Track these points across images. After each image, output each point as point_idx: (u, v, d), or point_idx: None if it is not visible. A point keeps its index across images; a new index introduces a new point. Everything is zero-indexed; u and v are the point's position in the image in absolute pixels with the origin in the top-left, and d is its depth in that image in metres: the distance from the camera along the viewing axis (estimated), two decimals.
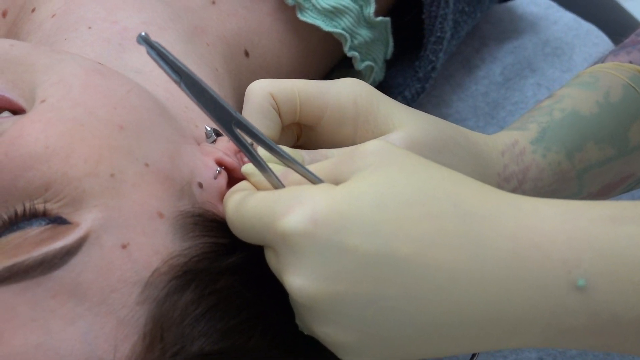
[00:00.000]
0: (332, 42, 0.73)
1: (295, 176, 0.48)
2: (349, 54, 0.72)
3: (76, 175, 0.47)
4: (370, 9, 0.71)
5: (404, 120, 0.54)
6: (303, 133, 0.56)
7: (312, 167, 0.48)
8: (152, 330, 0.46)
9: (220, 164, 0.53)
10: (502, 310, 0.42)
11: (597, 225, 0.42)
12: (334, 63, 0.79)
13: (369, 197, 0.43)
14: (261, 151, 0.49)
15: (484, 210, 0.43)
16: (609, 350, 0.44)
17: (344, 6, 0.69)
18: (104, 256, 0.46)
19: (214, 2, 0.68)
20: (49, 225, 0.47)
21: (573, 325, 0.42)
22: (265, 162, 0.48)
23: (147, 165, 0.50)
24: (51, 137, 0.48)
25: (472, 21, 0.84)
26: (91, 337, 0.46)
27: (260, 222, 0.45)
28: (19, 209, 0.47)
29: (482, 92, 0.88)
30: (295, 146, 0.56)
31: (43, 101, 0.49)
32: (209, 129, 0.56)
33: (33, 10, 0.65)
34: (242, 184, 0.50)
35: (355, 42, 0.71)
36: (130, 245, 0.47)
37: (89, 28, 0.62)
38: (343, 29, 0.70)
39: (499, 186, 0.58)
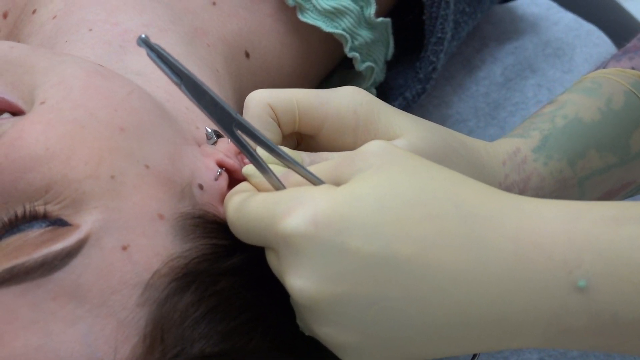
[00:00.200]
0: (332, 43, 0.73)
1: (296, 177, 0.48)
2: (350, 54, 0.72)
3: (76, 177, 0.47)
4: (371, 10, 0.71)
5: (405, 129, 0.54)
6: (303, 141, 0.56)
7: (312, 169, 0.48)
8: (153, 332, 0.46)
9: (220, 165, 0.53)
10: (503, 311, 0.42)
11: (598, 225, 0.42)
12: (334, 64, 0.79)
13: (370, 199, 0.43)
14: (262, 152, 0.49)
15: (485, 211, 0.43)
16: (610, 350, 0.44)
17: (345, 7, 0.69)
18: (104, 258, 0.46)
19: (214, 4, 0.68)
20: (50, 227, 0.47)
21: (574, 325, 0.42)
22: (265, 164, 0.48)
23: (147, 167, 0.50)
24: (51, 139, 0.48)
25: (473, 22, 0.84)
26: (91, 339, 0.46)
27: (261, 223, 0.45)
28: (19, 211, 0.47)
29: (482, 93, 0.88)
30: None
31: (43, 102, 0.49)
32: (209, 130, 0.56)
33: (34, 12, 0.65)
34: (243, 185, 0.50)
35: (356, 43, 0.71)
36: (131, 247, 0.47)
37: (90, 30, 0.62)
38: (344, 29, 0.70)
39: None
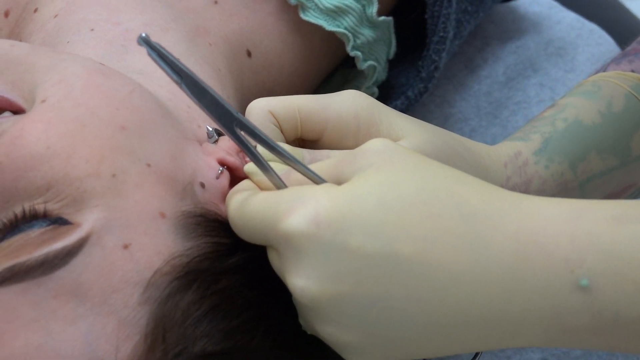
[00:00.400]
0: (334, 41, 0.73)
1: (297, 176, 0.48)
2: (352, 53, 0.72)
3: (78, 176, 0.47)
4: (373, 9, 0.71)
5: (406, 132, 0.54)
6: (306, 146, 0.56)
7: (314, 167, 0.48)
8: (154, 331, 0.46)
9: (222, 163, 0.53)
10: (505, 310, 0.42)
11: (600, 224, 0.42)
12: (336, 63, 0.79)
13: (371, 198, 0.43)
14: (262, 151, 0.49)
15: (486, 210, 0.43)
16: (612, 350, 0.43)
17: (347, 6, 0.69)
18: (105, 256, 0.46)
19: (216, 2, 0.68)
20: (50, 226, 0.47)
21: (576, 325, 0.42)
22: (266, 162, 0.48)
23: (149, 165, 0.49)
24: (52, 138, 0.47)
25: (475, 21, 0.83)
26: (92, 338, 0.45)
27: (262, 222, 0.45)
28: (19, 212, 0.47)
29: (484, 92, 0.88)
30: None
31: (43, 101, 0.49)
32: (210, 129, 0.56)
33: (35, 11, 0.65)
34: (244, 183, 0.50)
35: (358, 41, 0.71)
36: (132, 245, 0.47)
37: (92, 30, 0.62)
38: (345, 28, 0.70)
39: None
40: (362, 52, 0.72)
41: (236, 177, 0.53)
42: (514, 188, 0.58)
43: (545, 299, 0.41)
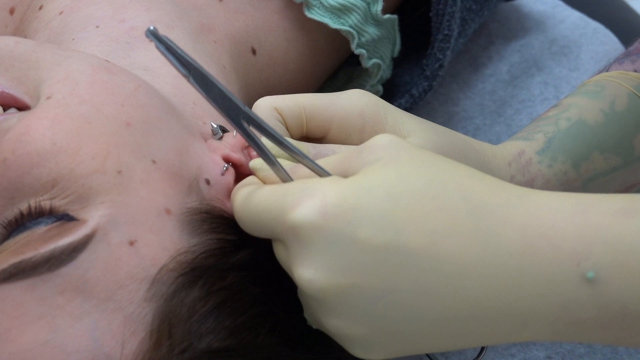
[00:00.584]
0: (339, 39, 0.73)
1: (304, 170, 0.48)
2: (357, 51, 0.71)
3: (83, 172, 0.47)
4: (378, 7, 0.71)
5: (412, 130, 0.54)
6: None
7: (320, 162, 0.48)
8: (160, 327, 0.46)
9: (227, 160, 0.53)
10: (512, 303, 0.42)
11: (607, 217, 0.42)
12: (341, 61, 0.79)
13: (379, 190, 0.43)
14: (269, 145, 0.49)
15: (493, 203, 0.43)
16: (619, 343, 0.43)
17: (352, 3, 0.69)
18: (111, 253, 0.46)
19: (221, 0, 0.68)
20: (56, 223, 0.47)
21: (583, 317, 0.42)
22: (273, 156, 0.48)
23: (154, 162, 0.49)
24: (58, 134, 0.47)
25: (479, 19, 0.83)
26: (98, 334, 0.45)
27: (269, 215, 0.45)
28: (24, 208, 0.47)
29: (489, 90, 0.88)
30: None
31: (49, 97, 0.49)
32: (215, 125, 0.56)
33: (40, 8, 0.65)
34: (250, 179, 0.50)
35: (363, 39, 0.71)
36: (138, 242, 0.47)
37: (97, 27, 0.62)
38: (350, 26, 0.70)
39: None
40: (366, 50, 0.72)
41: (241, 173, 0.53)
42: None
43: (553, 291, 0.42)
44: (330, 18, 0.69)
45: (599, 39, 0.90)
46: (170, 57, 0.46)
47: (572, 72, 0.88)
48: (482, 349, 0.54)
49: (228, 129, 0.57)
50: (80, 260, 0.46)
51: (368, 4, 0.70)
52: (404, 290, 0.42)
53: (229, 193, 0.52)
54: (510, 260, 0.42)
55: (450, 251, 0.42)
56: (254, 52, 0.69)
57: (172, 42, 0.45)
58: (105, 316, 0.46)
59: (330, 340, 0.47)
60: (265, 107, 0.53)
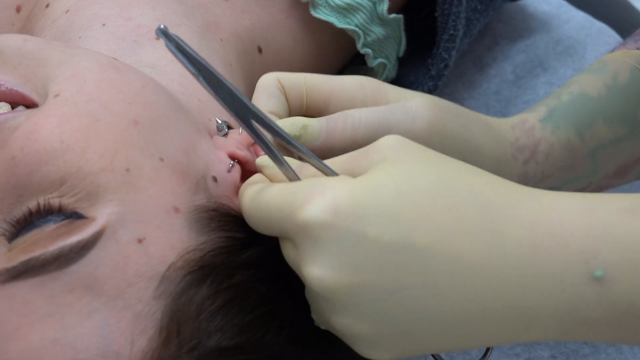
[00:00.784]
0: (345, 39, 0.73)
1: (311, 170, 0.48)
2: (362, 51, 0.72)
3: (92, 170, 0.47)
4: (384, 6, 0.71)
5: (414, 95, 0.55)
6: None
7: (328, 162, 0.48)
8: (169, 325, 0.46)
9: (233, 157, 0.53)
10: (520, 302, 0.42)
11: (615, 216, 0.42)
12: (346, 60, 0.79)
13: (389, 188, 0.43)
14: (277, 144, 0.49)
15: (501, 202, 0.43)
16: (626, 342, 0.44)
17: (358, 3, 0.69)
18: (120, 251, 0.46)
19: None
20: (65, 221, 0.47)
21: (590, 316, 0.42)
22: (281, 155, 0.48)
23: (162, 160, 0.50)
24: (67, 132, 0.47)
25: (485, 19, 0.83)
26: (107, 332, 0.45)
27: (279, 213, 0.45)
28: (33, 206, 0.47)
29: (493, 91, 0.88)
30: None
31: (57, 95, 0.49)
32: (220, 121, 0.56)
33: (47, 6, 0.65)
34: (257, 176, 0.50)
35: (368, 39, 0.71)
36: (146, 239, 0.47)
37: (103, 25, 0.62)
38: (356, 25, 0.70)
39: (513, 155, 0.59)
40: (372, 49, 0.72)
41: (247, 170, 0.54)
42: (523, 147, 0.59)
43: (561, 290, 0.42)
44: (336, 17, 0.70)
45: (604, 40, 0.91)
46: (180, 56, 0.46)
47: (577, 73, 0.88)
48: (488, 349, 0.54)
49: (233, 125, 0.57)
50: (89, 258, 0.46)
51: (374, 3, 0.70)
52: (413, 287, 0.42)
53: (235, 190, 0.52)
54: (519, 258, 0.42)
55: (458, 249, 0.42)
56: (260, 50, 0.69)
57: (182, 40, 0.46)
58: (115, 314, 0.46)
59: (338, 340, 0.47)
60: (269, 78, 0.54)
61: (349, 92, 0.55)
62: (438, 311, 0.43)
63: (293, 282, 0.47)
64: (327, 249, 0.43)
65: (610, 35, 0.91)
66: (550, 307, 0.42)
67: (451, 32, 0.75)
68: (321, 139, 0.53)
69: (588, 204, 0.43)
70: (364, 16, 0.70)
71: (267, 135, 0.48)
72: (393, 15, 0.72)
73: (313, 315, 0.48)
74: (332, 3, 0.69)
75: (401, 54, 0.77)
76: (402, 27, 0.75)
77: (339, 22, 0.70)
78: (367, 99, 0.55)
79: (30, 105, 0.51)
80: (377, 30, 0.72)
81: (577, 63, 0.89)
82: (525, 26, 0.91)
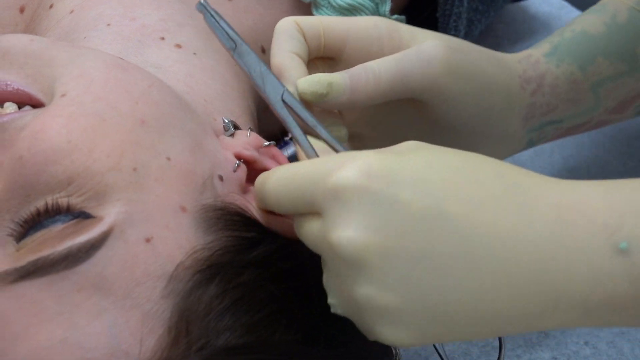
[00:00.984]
0: None
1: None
2: None
3: (99, 170, 0.47)
4: (386, 7, 0.71)
5: (427, 34, 0.57)
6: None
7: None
8: (178, 324, 0.46)
9: (238, 157, 0.54)
10: (546, 275, 0.42)
11: (637, 194, 0.42)
12: None
13: (419, 160, 0.44)
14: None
15: (527, 182, 0.44)
16: None
17: (360, 4, 0.70)
18: (128, 250, 0.46)
19: None
20: (73, 220, 0.47)
21: (615, 292, 0.42)
22: (308, 141, 0.49)
23: (169, 159, 0.50)
24: (74, 132, 0.47)
25: (486, 20, 0.84)
26: (116, 331, 0.45)
27: (309, 180, 0.45)
28: (41, 206, 0.47)
29: None
30: None
31: (63, 95, 0.49)
32: (226, 120, 0.56)
33: (51, 7, 0.65)
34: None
35: None
36: (154, 239, 0.47)
37: (108, 25, 0.62)
38: None
39: (521, 87, 0.61)
40: None
41: (253, 169, 0.54)
42: (530, 79, 0.61)
43: (586, 263, 0.42)
44: None
45: None
46: (217, 30, 0.47)
47: None
48: (501, 346, 0.54)
49: (240, 126, 0.57)
50: (97, 258, 0.46)
51: (376, 4, 0.71)
52: (442, 254, 0.42)
53: (241, 189, 0.53)
54: (546, 230, 0.42)
55: (488, 220, 0.42)
56: (263, 51, 0.69)
57: (221, 16, 0.46)
58: (123, 313, 0.46)
59: (347, 338, 0.47)
60: (287, 21, 0.55)
61: (364, 31, 0.56)
62: (467, 281, 0.42)
63: (302, 280, 0.47)
64: (359, 210, 0.43)
65: None
66: (576, 281, 0.42)
67: (452, 32, 0.76)
68: (347, 94, 0.54)
69: (609, 185, 0.44)
70: None
71: (297, 117, 0.50)
72: (395, 16, 0.73)
73: (330, 301, 0.47)
74: (334, 4, 0.69)
75: None
76: None
77: None
78: (382, 37, 0.56)
79: (36, 105, 0.51)
80: None
81: None
82: (526, 27, 0.92)
